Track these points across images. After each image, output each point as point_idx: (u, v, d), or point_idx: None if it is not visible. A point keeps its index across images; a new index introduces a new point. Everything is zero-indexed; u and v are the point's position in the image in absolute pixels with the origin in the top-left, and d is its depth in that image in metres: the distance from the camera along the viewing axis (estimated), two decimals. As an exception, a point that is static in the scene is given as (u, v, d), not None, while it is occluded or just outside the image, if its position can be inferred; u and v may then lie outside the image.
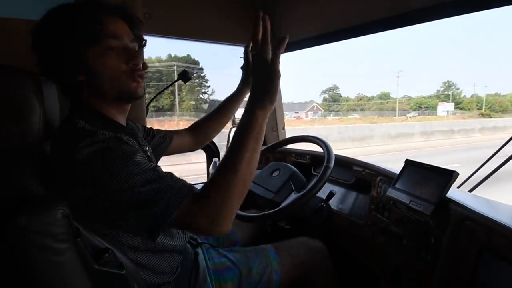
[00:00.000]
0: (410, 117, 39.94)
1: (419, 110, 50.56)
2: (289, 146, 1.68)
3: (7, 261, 0.50)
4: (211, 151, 1.86)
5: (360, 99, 58.06)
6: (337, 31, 1.56)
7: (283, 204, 1.15)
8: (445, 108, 43.69)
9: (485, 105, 50.55)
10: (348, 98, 58.51)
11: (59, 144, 0.69)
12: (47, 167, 0.69)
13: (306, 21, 1.68)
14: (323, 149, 1.23)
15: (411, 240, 0.94)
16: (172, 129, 1.19)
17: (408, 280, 0.93)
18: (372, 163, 1.30)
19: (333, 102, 56.02)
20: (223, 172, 0.67)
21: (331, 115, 46.81)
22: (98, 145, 0.63)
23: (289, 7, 1.69)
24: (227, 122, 1.39)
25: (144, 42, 0.83)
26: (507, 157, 1.13)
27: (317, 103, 50.06)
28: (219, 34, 1.72)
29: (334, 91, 58.88)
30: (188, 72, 1.31)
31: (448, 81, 59.65)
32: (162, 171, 0.67)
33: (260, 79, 0.70)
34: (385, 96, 57.79)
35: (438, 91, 58.13)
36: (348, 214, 1.31)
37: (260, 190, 1.35)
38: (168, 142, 1.14)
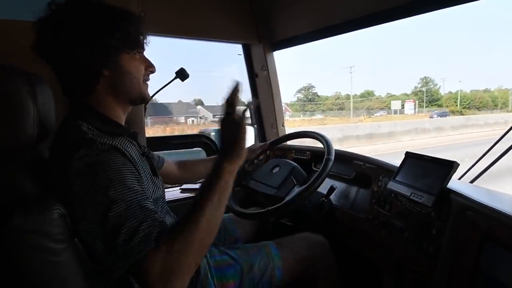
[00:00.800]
0: (365, 118, 36.37)
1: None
2: (289, 143, 1.67)
3: (3, 260, 0.50)
4: (211, 150, 1.85)
5: (338, 98, 56.58)
6: (335, 26, 1.56)
7: (287, 198, 1.15)
8: (411, 106, 42.18)
9: (464, 102, 49.50)
10: (327, 97, 56.91)
11: (59, 148, 0.69)
12: (44, 168, 0.69)
13: (303, 16, 1.67)
14: (322, 144, 1.22)
15: (413, 232, 0.93)
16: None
17: (410, 273, 0.92)
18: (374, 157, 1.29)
19: (309, 101, 54.29)
20: (183, 223, 0.64)
21: (301, 116, 45.07)
22: (93, 158, 0.63)
23: (286, 3, 1.69)
24: None
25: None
26: (506, 148, 1.13)
27: (284, 104, 47.45)
28: (215, 32, 1.71)
29: (310, 90, 56.94)
30: (185, 70, 1.31)
31: (425, 77, 58.23)
32: (148, 206, 0.64)
33: (229, 135, 0.73)
34: (368, 94, 56.82)
35: (415, 87, 56.88)
36: (349, 208, 1.30)
37: (261, 187, 1.34)
38: (160, 165, 1.19)
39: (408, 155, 1.03)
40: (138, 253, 0.58)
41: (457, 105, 48.92)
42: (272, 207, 1.11)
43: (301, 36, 1.73)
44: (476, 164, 1.18)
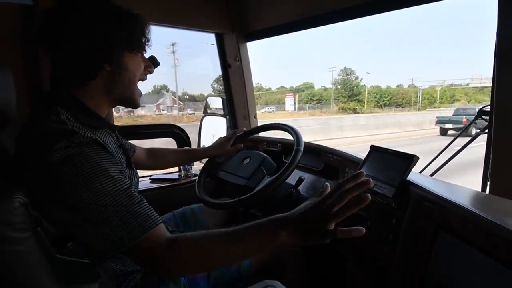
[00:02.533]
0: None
1: (311, 103, 44.76)
2: (261, 134, 1.69)
3: None
4: (182, 141, 1.84)
5: (259, 90, 52.00)
6: (310, 18, 1.57)
7: (257, 188, 1.17)
8: (291, 101, 36.62)
9: (385, 97, 45.69)
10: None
11: (33, 136, 0.66)
12: (3, 157, 0.66)
13: (278, 8, 1.67)
14: (292, 135, 1.25)
15: (375, 221, 0.98)
16: None
17: (372, 260, 0.97)
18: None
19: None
20: (214, 242, 0.67)
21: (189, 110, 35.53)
22: (75, 149, 0.62)
23: None
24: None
25: None
26: (462, 146, 1.21)
27: (173, 95, 36.38)
28: (188, 20, 1.68)
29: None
30: (156, 58, 1.27)
31: (345, 67, 52.31)
32: (135, 194, 0.66)
33: (311, 227, 0.66)
34: (305, 87, 52.37)
35: (335, 80, 49.66)
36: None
37: (231, 178, 1.35)
38: (132, 153, 1.19)
39: (373, 148, 1.07)
40: (134, 238, 0.62)
41: (377, 101, 45.02)
42: (242, 197, 1.13)
43: (274, 28, 1.74)
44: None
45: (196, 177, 1.41)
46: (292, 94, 39.58)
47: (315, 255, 1.31)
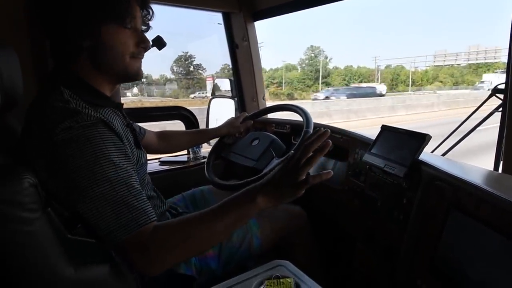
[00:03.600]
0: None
1: (271, 86, 41.69)
2: (270, 116, 1.67)
3: None
4: (191, 123, 1.83)
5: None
6: None
7: (265, 169, 1.16)
8: (210, 83, 30.51)
9: (355, 78, 42.55)
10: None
11: (38, 116, 0.66)
12: (11, 138, 0.66)
13: None
14: (301, 116, 1.23)
15: (385, 202, 0.97)
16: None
17: (382, 240, 0.97)
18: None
19: (184, 76, 38.34)
20: (193, 223, 0.66)
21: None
22: (78, 131, 0.61)
23: None
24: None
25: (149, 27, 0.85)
26: (474, 125, 1.17)
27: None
28: None
29: (189, 61, 39.66)
30: (162, 38, 1.25)
31: (312, 46, 48.17)
32: (134, 185, 0.64)
33: (287, 176, 0.68)
34: (286, 68, 48.98)
35: (301, 60, 46.99)
36: (326, 180, 1.33)
37: (240, 159, 1.35)
38: (142, 137, 1.18)
39: (384, 128, 1.05)
40: (126, 233, 0.60)
41: (347, 83, 41.36)
42: (250, 179, 1.12)
43: (282, 5, 1.68)
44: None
45: (205, 160, 1.42)
46: (211, 77, 32.68)
47: (326, 235, 1.31)
